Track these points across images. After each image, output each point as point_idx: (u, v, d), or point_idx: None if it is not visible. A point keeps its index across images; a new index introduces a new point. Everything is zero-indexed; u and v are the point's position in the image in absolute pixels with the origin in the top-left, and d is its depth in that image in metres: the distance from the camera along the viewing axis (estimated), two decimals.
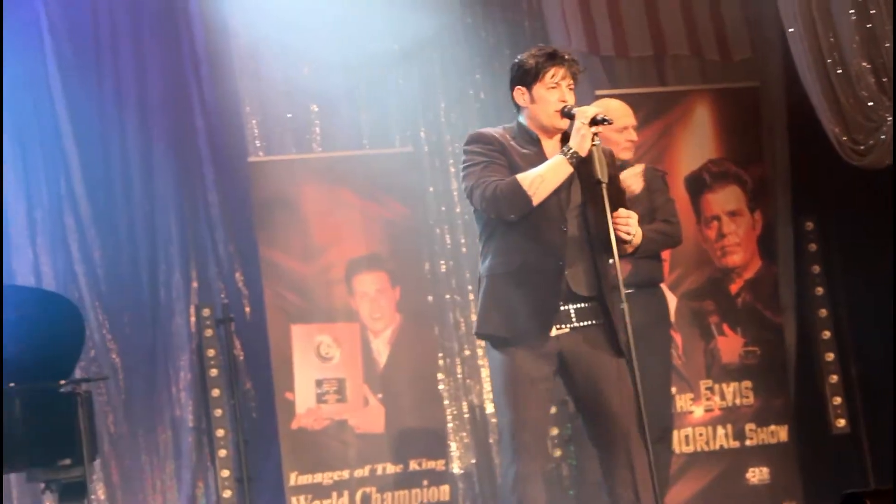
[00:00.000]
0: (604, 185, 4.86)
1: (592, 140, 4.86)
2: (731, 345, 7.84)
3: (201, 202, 7.95)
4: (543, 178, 4.87)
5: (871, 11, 7.11)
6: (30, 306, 6.52)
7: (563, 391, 5.21)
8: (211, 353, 7.60)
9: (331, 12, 8.07)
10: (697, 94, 8.10)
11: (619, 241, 4.92)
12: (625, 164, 6.17)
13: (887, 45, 7.10)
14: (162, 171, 7.89)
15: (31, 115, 7.70)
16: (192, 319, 7.78)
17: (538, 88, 4.99)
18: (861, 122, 7.23)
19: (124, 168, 7.86)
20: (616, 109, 6.37)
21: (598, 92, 7.82)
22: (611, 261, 4.92)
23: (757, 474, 7.77)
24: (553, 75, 4.97)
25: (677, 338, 7.69)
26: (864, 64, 7.16)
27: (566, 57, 5.01)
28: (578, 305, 4.96)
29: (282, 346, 7.51)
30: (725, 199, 7.93)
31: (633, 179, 6.17)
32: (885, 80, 7.14)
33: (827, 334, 7.92)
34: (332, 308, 7.63)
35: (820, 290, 7.95)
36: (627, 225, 4.92)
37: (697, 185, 7.90)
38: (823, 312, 7.93)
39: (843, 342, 7.95)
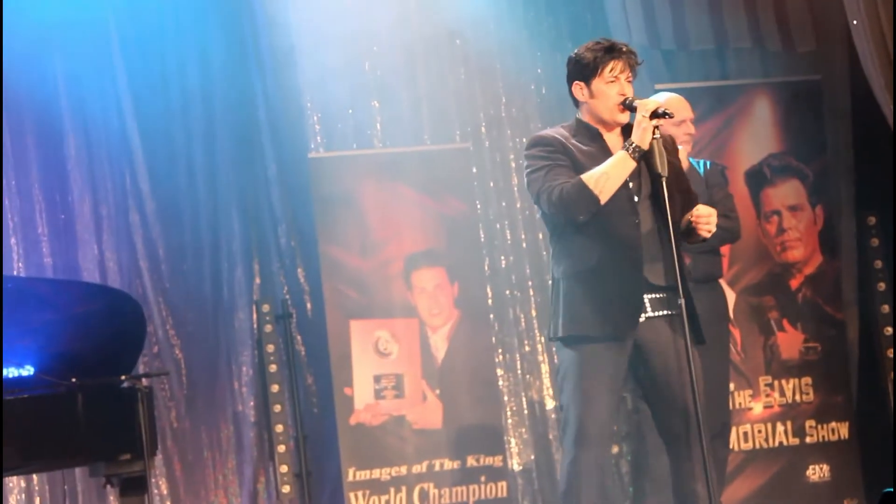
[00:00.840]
0: (664, 179, 4.85)
1: (653, 133, 4.85)
2: (791, 341, 7.77)
3: (263, 198, 8.00)
4: (609, 176, 4.86)
5: None
6: (93, 302, 6.59)
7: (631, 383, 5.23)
8: (270, 348, 7.67)
9: (392, 7, 8.10)
10: (759, 88, 8.03)
11: (698, 236, 4.93)
12: None
13: None
14: (225, 166, 7.95)
15: (97, 112, 7.78)
16: (255, 315, 7.85)
17: (597, 83, 4.98)
18: None
19: (188, 164, 7.92)
20: (674, 102, 6.33)
21: (658, 86, 7.77)
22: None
23: (817, 472, 7.70)
24: (612, 69, 4.96)
25: (736, 333, 7.64)
26: None
27: (624, 49, 4.99)
28: (653, 296, 4.96)
29: (340, 341, 7.55)
30: (786, 193, 7.86)
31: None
32: None
33: (889, 330, 7.83)
34: (391, 303, 7.65)
35: (882, 286, 7.88)
36: (709, 223, 4.91)
37: (758, 179, 7.84)
38: (886, 308, 7.85)
39: None
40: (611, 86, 4.96)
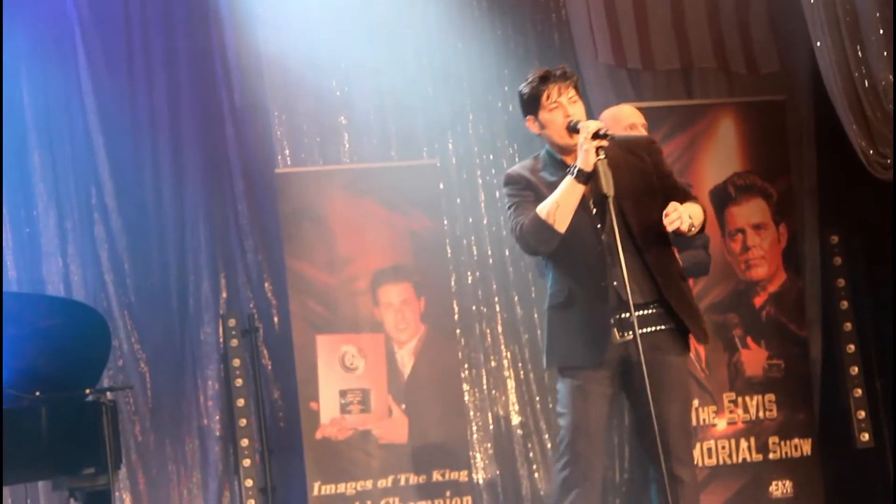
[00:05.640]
0: (610, 199, 4.86)
1: (597, 154, 4.87)
2: (754, 358, 7.82)
3: (231, 212, 8.00)
4: (559, 204, 4.90)
5: None
6: (57, 316, 6.57)
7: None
8: (236, 362, 7.66)
9: (360, 24, 8.13)
10: (723, 108, 8.08)
11: (678, 232, 4.93)
12: None
13: None
14: (192, 180, 7.95)
15: (63, 124, 7.77)
16: (221, 329, 7.84)
17: (543, 113, 5.02)
18: (887, 135, 7.21)
19: (155, 178, 7.92)
20: (622, 110, 6.36)
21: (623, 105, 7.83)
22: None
23: (780, 488, 7.74)
24: (548, 96, 4.99)
25: (701, 350, 7.70)
26: (891, 77, 7.14)
27: (557, 73, 5.02)
28: (642, 312, 4.97)
29: (307, 356, 7.55)
30: (750, 212, 7.91)
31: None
32: None
33: (851, 348, 7.89)
34: (358, 319, 7.66)
35: (845, 304, 7.93)
36: (672, 222, 4.87)
37: (722, 197, 7.88)
38: (848, 326, 7.90)
39: (867, 356, 7.91)
40: (554, 112, 5.00)
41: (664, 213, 4.90)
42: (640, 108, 7.77)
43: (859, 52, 7.23)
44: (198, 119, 8.02)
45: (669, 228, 4.89)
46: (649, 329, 4.99)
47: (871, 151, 7.26)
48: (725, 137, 7.97)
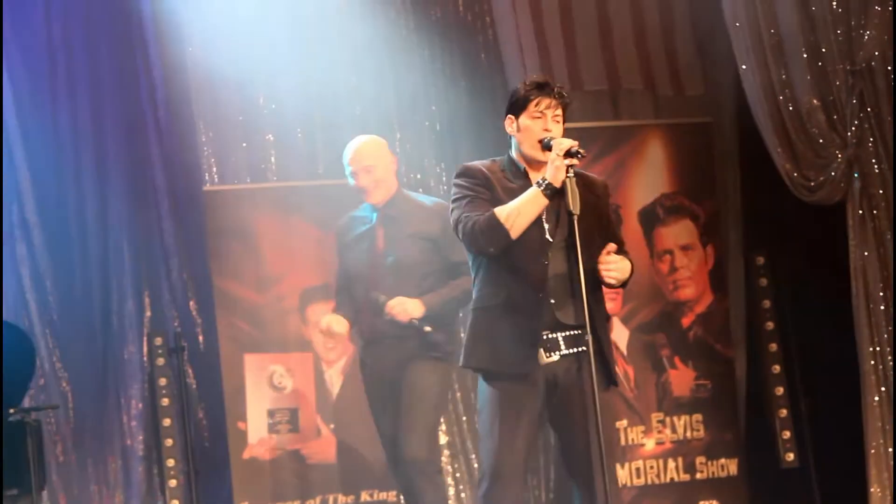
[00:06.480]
0: (576, 217, 4.87)
1: (567, 172, 4.88)
2: (682, 378, 7.88)
3: (155, 230, 7.93)
4: (520, 212, 4.88)
5: (823, 49, 7.22)
6: None
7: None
8: (163, 381, 7.58)
9: (287, 43, 8.09)
10: (651, 129, 8.15)
11: (602, 281, 4.96)
12: None
13: (837, 83, 7.20)
14: (116, 198, 7.87)
15: None
16: (145, 348, 7.75)
17: (524, 117, 4.99)
18: (811, 158, 7.33)
19: (78, 196, 7.83)
20: (367, 145, 6.57)
21: None
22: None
23: None
24: (538, 104, 4.98)
25: (629, 370, 7.75)
26: (815, 101, 7.27)
27: (555, 88, 5.03)
28: (567, 333, 4.96)
29: (234, 375, 7.50)
30: (678, 233, 7.98)
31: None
32: (835, 117, 7.25)
33: (777, 368, 7.95)
34: (286, 338, 7.62)
35: (770, 325, 7.99)
36: (610, 272, 4.92)
37: (650, 218, 7.94)
38: (773, 347, 7.96)
39: (792, 376, 7.96)
40: (536, 121, 4.99)
41: (603, 257, 4.94)
42: (568, 129, 7.84)
43: (784, 75, 7.34)
44: (122, 136, 7.94)
45: (603, 274, 4.93)
46: (578, 349, 5.00)
47: (796, 174, 7.37)
48: (653, 158, 8.03)
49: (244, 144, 8.10)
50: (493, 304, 4.99)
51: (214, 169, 8.02)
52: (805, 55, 7.27)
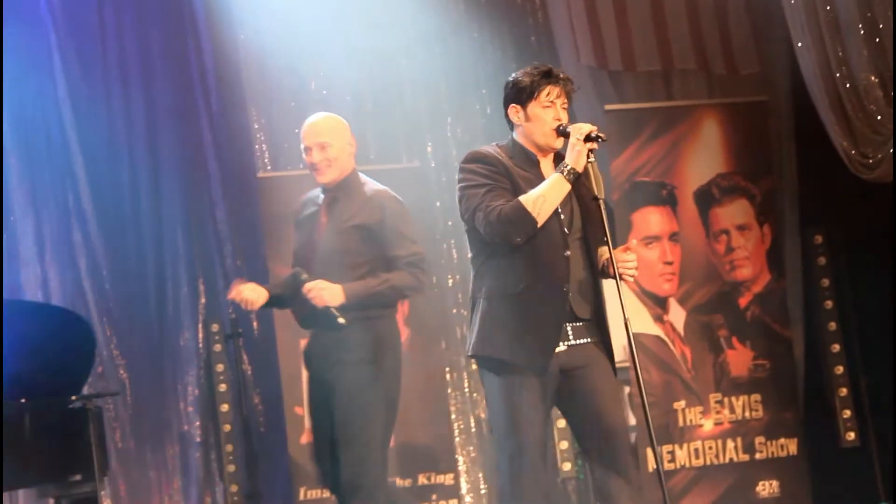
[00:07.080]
0: (602, 201, 4.86)
1: (588, 156, 4.86)
2: (740, 358, 7.83)
3: (209, 217, 7.96)
4: (546, 199, 4.85)
5: (880, 25, 7.14)
6: (40, 322, 6.50)
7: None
8: (219, 368, 7.61)
9: (339, 27, 8.09)
10: (705, 109, 8.10)
11: (607, 272, 4.95)
12: None
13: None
14: (170, 186, 7.90)
15: (40, 131, 7.72)
16: (201, 335, 7.78)
17: (533, 107, 4.97)
18: (869, 135, 7.24)
19: (132, 184, 7.87)
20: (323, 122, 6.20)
21: (607, 107, 7.85)
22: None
23: (767, 488, 7.75)
24: (548, 94, 4.95)
25: (687, 351, 7.71)
26: (873, 78, 7.18)
27: (561, 76, 5.00)
28: (575, 324, 4.95)
29: (291, 360, 7.49)
30: (734, 212, 7.93)
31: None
32: (893, 93, 7.16)
33: (836, 347, 7.91)
34: None
35: (829, 304, 7.94)
36: (630, 269, 4.90)
37: (706, 199, 7.90)
38: (832, 326, 7.92)
39: (852, 355, 7.93)
40: (546, 110, 4.96)
41: (621, 254, 4.89)
42: (622, 110, 7.83)
43: (840, 52, 7.26)
44: (174, 122, 7.97)
45: (622, 270, 4.89)
46: (584, 340, 4.97)
47: (853, 151, 7.29)
48: (708, 138, 7.98)
49: (296, 130, 8.06)
50: (510, 294, 4.92)
51: (267, 155, 8.02)
52: (862, 31, 7.18)
